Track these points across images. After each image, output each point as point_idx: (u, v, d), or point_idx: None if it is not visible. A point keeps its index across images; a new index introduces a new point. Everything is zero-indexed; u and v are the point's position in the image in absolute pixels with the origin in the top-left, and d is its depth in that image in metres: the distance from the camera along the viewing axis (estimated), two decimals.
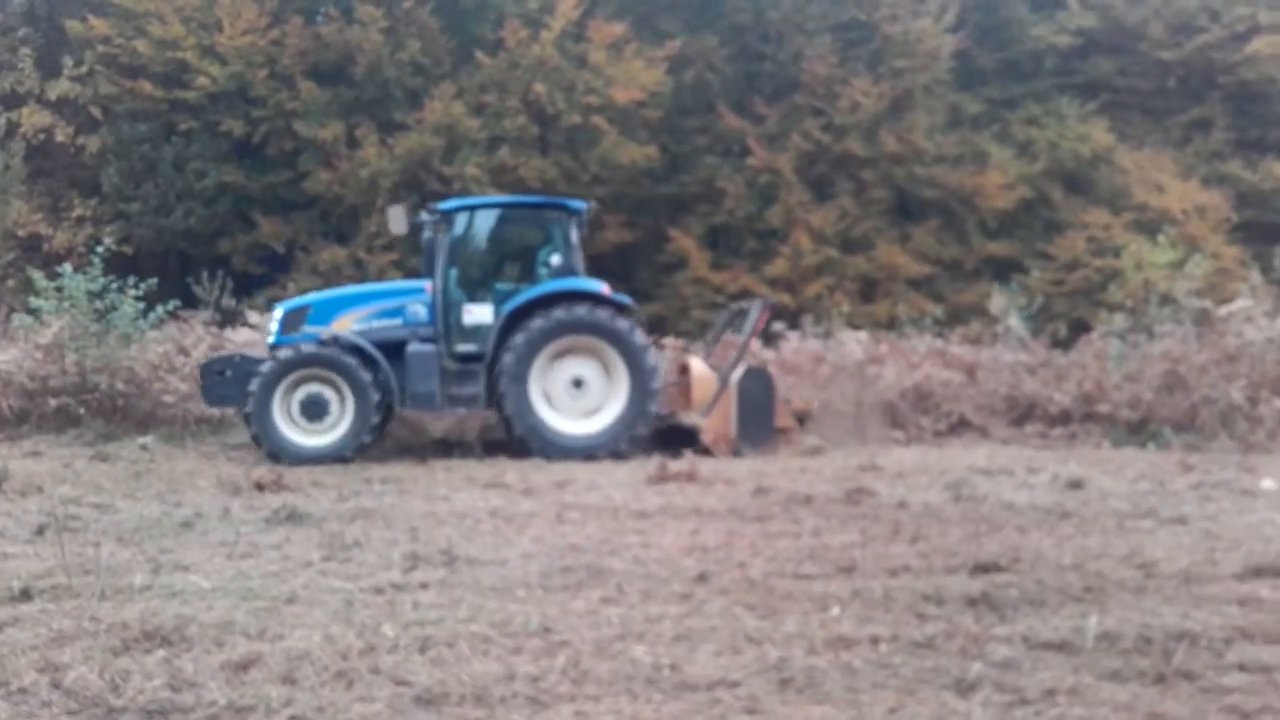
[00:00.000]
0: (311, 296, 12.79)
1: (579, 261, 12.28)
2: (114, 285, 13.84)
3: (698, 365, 12.67)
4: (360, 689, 4.52)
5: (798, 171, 22.08)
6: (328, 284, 20.51)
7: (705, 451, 11.68)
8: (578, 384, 11.82)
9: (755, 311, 12.84)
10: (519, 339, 11.51)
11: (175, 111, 21.79)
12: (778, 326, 16.19)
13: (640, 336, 11.91)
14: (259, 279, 21.17)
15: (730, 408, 11.95)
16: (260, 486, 9.34)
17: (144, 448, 12.00)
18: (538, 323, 11.55)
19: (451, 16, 21.86)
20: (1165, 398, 13.42)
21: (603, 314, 11.73)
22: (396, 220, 12.23)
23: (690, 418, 12.11)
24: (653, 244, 22.68)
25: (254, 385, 11.27)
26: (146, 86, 21.43)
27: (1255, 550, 6.98)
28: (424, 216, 12.48)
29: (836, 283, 21.42)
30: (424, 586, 6.17)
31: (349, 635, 5.24)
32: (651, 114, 21.88)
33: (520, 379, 11.51)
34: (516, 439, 11.63)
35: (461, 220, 12.14)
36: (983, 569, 6.54)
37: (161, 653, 4.84)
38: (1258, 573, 6.39)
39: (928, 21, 22.10)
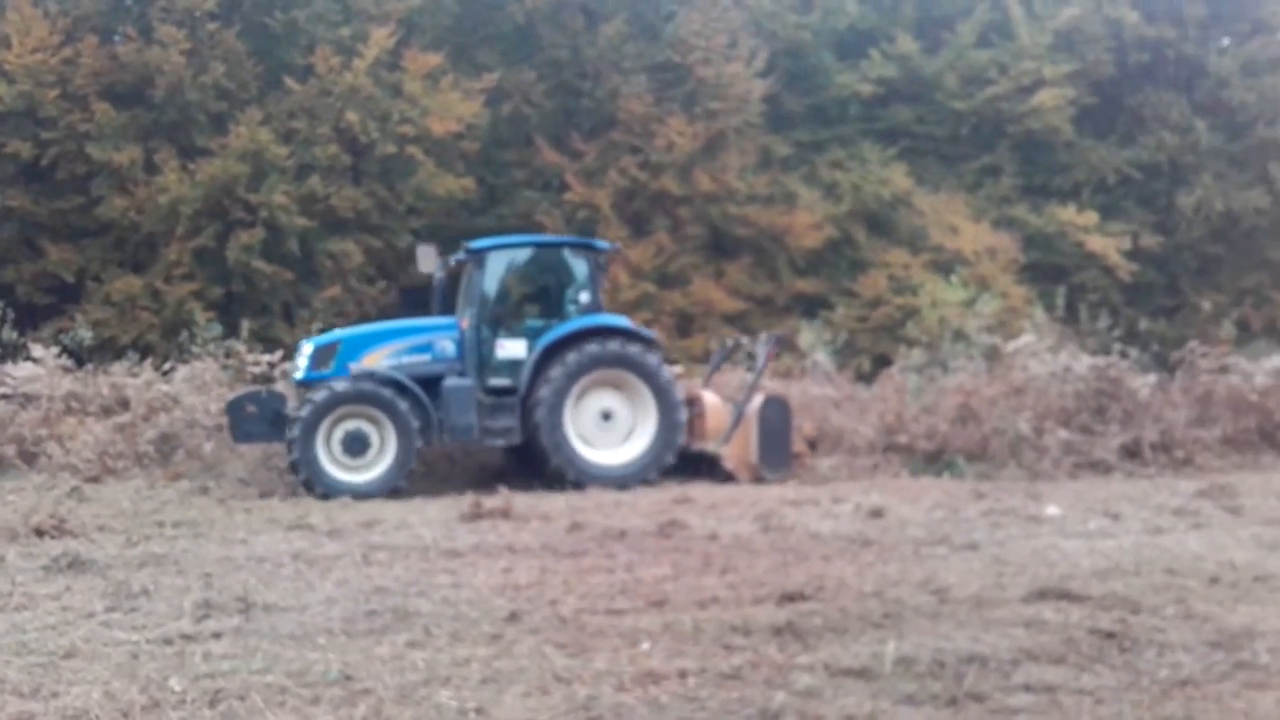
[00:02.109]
0: (340, 333, 12.90)
1: (602, 298, 12.85)
2: None
3: (709, 396, 13.15)
4: None
5: (615, 207, 22.30)
6: (122, 316, 19.48)
7: (728, 478, 12.36)
8: (606, 416, 12.33)
9: (765, 347, 13.72)
10: (555, 373, 11.95)
11: None
12: None
13: (666, 370, 12.54)
14: (46, 310, 19.87)
15: (751, 435, 12.56)
16: (39, 532, 8.74)
17: None
18: (572, 357, 12.02)
19: (259, 40, 21.18)
20: (959, 429, 14.09)
21: (633, 349, 12.29)
22: (426, 258, 12.68)
23: (711, 446, 12.66)
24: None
25: (299, 424, 11.35)
26: None
27: (1040, 574, 7.37)
28: (459, 255, 12.88)
29: (654, 317, 21.67)
30: (217, 636, 5.88)
31: (132, 690, 4.94)
32: (469, 146, 21.70)
33: (556, 411, 11.95)
34: (553, 469, 12.01)
35: (494, 259, 12.54)
36: (789, 598, 6.69)
37: None
38: (1042, 595, 6.75)
39: (739, 66, 22.76)
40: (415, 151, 20.76)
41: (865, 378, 17.44)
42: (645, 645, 5.70)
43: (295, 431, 11.40)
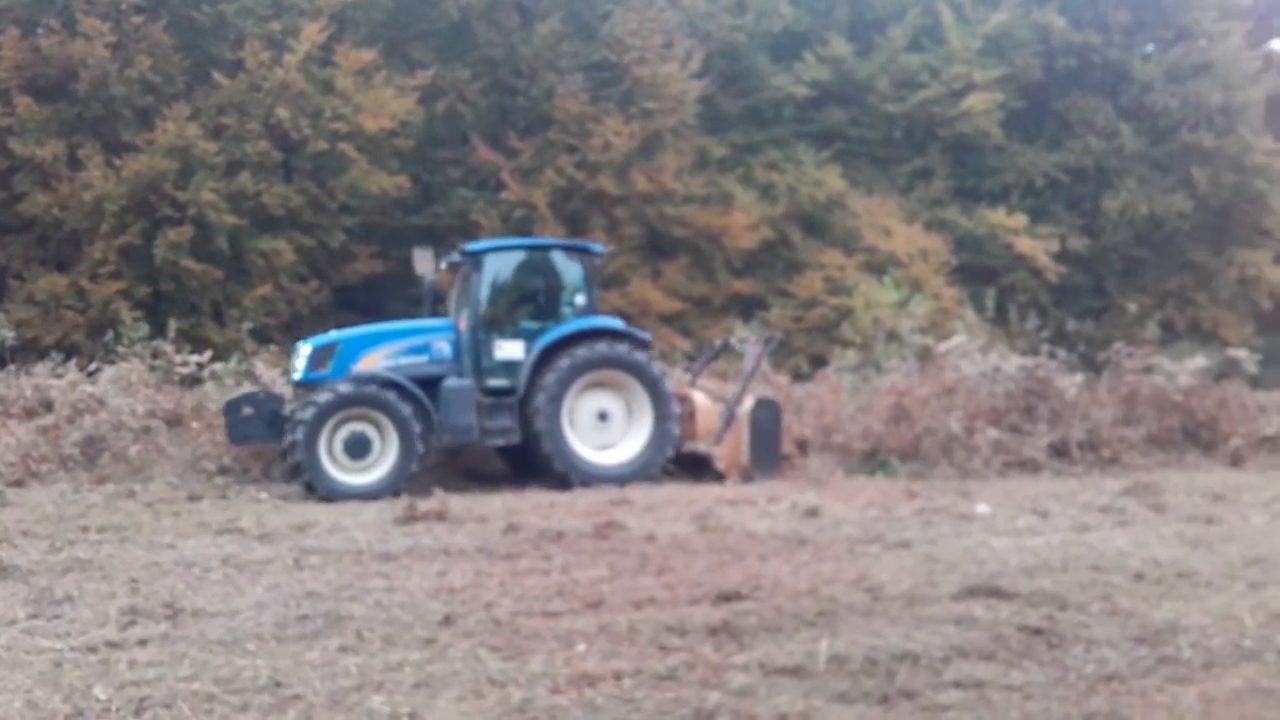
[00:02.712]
0: (337, 334, 12.79)
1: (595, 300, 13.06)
2: None
3: (699, 397, 13.26)
4: None
5: (552, 206, 22.23)
6: (45, 315, 18.99)
7: (719, 478, 12.50)
8: (602, 416, 12.51)
9: (755, 347, 13.84)
10: (552, 375, 12.11)
11: None
12: None
13: (658, 369, 12.80)
14: None
15: (742, 436, 12.70)
16: None
17: None
18: (569, 359, 12.18)
19: (186, 34, 20.76)
20: (893, 428, 14.27)
21: (627, 350, 12.49)
22: (422, 261, 12.66)
23: (703, 446, 12.79)
24: (405, 276, 22.21)
25: (299, 434, 11.30)
26: None
27: (971, 572, 7.48)
28: (454, 257, 13.04)
29: None
30: (143, 643, 5.75)
31: (55, 700, 4.82)
32: (403, 143, 21.51)
33: (555, 412, 12.10)
34: (544, 459, 12.10)
35: (492, 261, 12.68)
36: (725, 598, 6.71)
37: None
38: (972, 593, 6.85)
39: (675, 66, 22.83)
40: (348, 148, 20.52)
41: (802, 378, 17.58)
42: (581, 647, 5.68)
43: (298, 434, 11.36)
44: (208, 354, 15.10)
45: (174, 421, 13.56)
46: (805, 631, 6.03)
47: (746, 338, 15.00)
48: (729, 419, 12.85)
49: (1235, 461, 14.84)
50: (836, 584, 7.14)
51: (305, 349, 12.38)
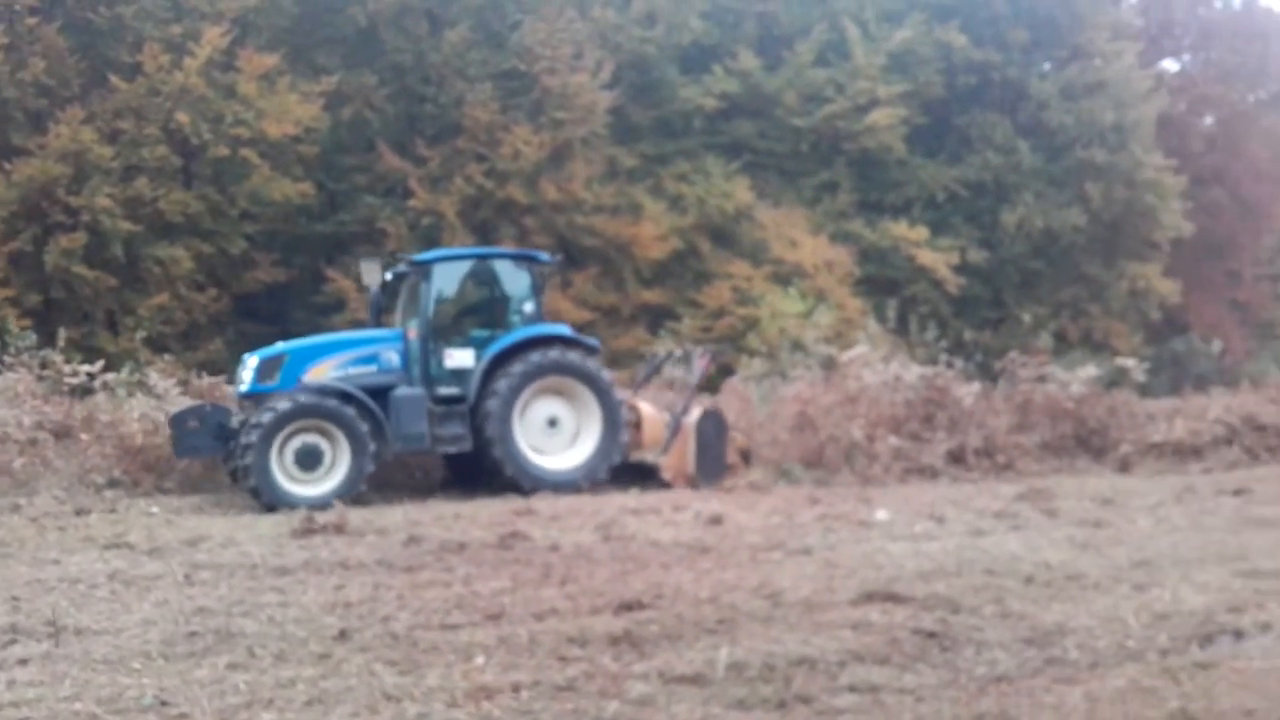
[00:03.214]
0: (284, 345, 12.66)
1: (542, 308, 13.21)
2: None
3: (645, 407, 13.35)
4: None
5: (461, 215, 22.09)
6: None
7: (665, 486, 12.59)
8: (552, 423, 12.59)
9: (700, 360, 14.00)
10: (503, 383, 12.18)
11: None
12: None
13: (607, 375, 12.88)
14: None
15: (688, 446, 12.85)
16: None
17: None
18: (519, 366, 12.26)
19: (82, 36, 20.17)
20: (797, 436, 14.42)
21: (576, 356, 12.60)
22: (370, 272, 12.68)
23: (649, 456, 12.91)
24: (309, 284, 21.87)
25: (253, 437, 11.24)
26: None
27: (869, 577, 7.59)
28: (400, 267, 13.07)
29: None
30: (23, 663, 5.56)
31: None
32: (307, 150, 21.17)
33: (506, 419, 12.17)
34: (496, 465, 12.18)
35: (440, 270, 12.70)
36: (626, 607, 6.70)
37: None
38: (870, 598, 6.94)
39: (584, 77, 22.87)
40: (250, 154, 20.13)
41: (710, 387, 17.69)
42: (480, 660, 5.63)
43: (249, 446, 11.25)
44: (99, 364, 14.64)
45: (62, 433, 13.10)
46: (705, 639, 6.05)
47: (691, 350, 15.14)
48: (675, 429, 12.99)
49: (1124, 467, 15.32)
50: (738, 591, 7.18)
51: (252, 361, 12.27)
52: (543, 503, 11.38)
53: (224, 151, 20.00)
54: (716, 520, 10.06)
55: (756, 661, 5.57)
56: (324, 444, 11.62)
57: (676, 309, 23.25)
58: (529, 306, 12.88)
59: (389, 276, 13.30)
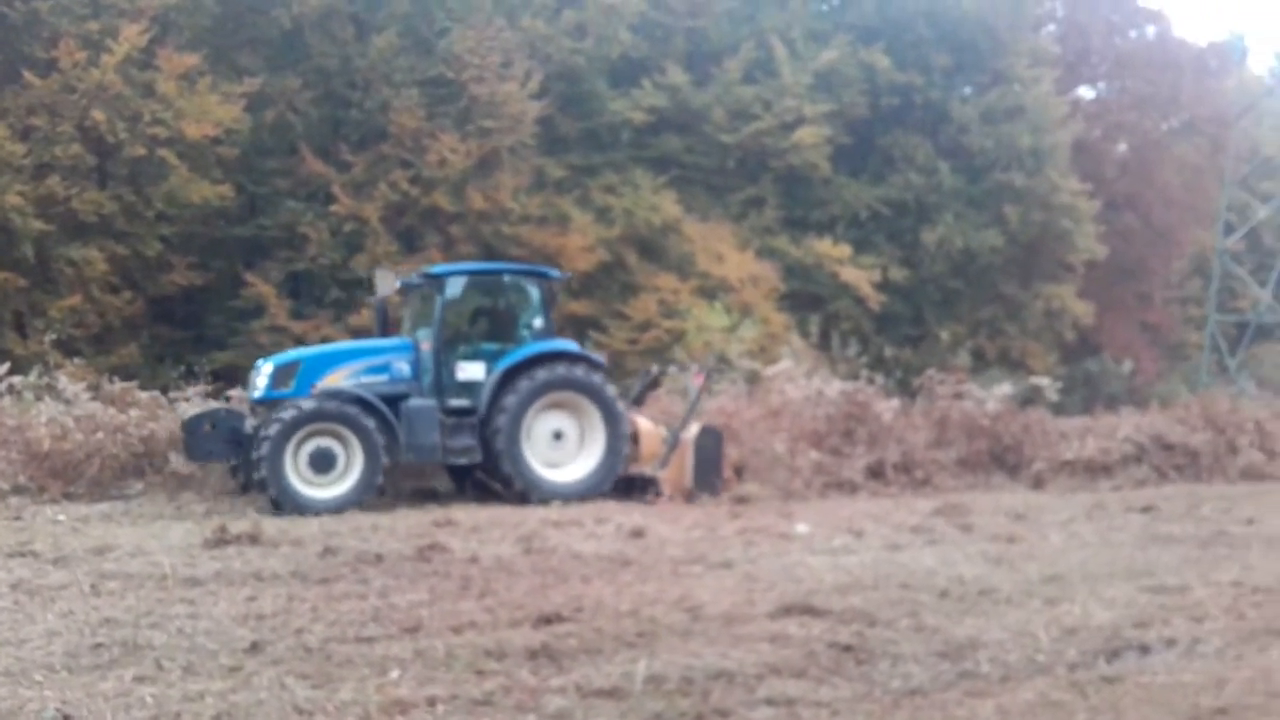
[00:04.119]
0: (298, 353, 13.17)
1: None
2: None
3: (642, 421, 13.54)
4: None
5: (385, 221, 21.83)
6: None
7: (660, 497, 12.78)
8: (557, 436, 12.83)
9: (697, 376, 14.31)
10: (513, 397, 12.42)
11: None
12: None
13: (611, 390, 13.12)
14: None
15: (687, 460, 13.13)
16: None
17: None
18: (528, 381, 12.50)
19: None
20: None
21: (582, 371, 12.85)
22: (384, 282, 12.84)
23: (647, 469, 13.12)
24: (226, 288, 21.44)
25: (270, 439, 11.45)
26: None
27: (788, 591, 7.64)
28: (413, 279, 13.28)
29: None
30: None
31: None
32: (227, 152, 20.76)
33: (515, 432, 12.41)
34: (504, 478, 12.40)
35: (453, 284, 12.86)
36: (545, 620, 6.67)
37: None
38: (788, 611, 6.99)
39: (513, 86, 22.78)
40: (168, 155, 19.70)
41: (637, 400, 17.70)
42: (395, 673, 5.55)
43: (264, 448, 11.46)
44: (6, 366, 14.18)
45: None
46: (624, 653, 6.04)
47: (687, 366, 15.44)
48: (674, 444, 13.26)
49: (1037, 484, 15.66)
50: (658, 605, 7.19)
51: (267, 368, 12.51)
52: (463, 514, 11.28)
53: (141, 151, 19.54)
54: (638, 533, 10.06)
55: (675, 675, 5.58)
56: (338, 448, 11.86)
57: (603, 320, 23.24)
58: (538, 321, 13.13)
59: (400, 285, 13.43)
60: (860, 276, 25.45)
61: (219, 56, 21.58)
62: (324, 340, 20.81)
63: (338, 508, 11.43)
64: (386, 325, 13.53)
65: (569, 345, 13.38)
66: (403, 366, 12.60)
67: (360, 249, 21.60)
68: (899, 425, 15.57)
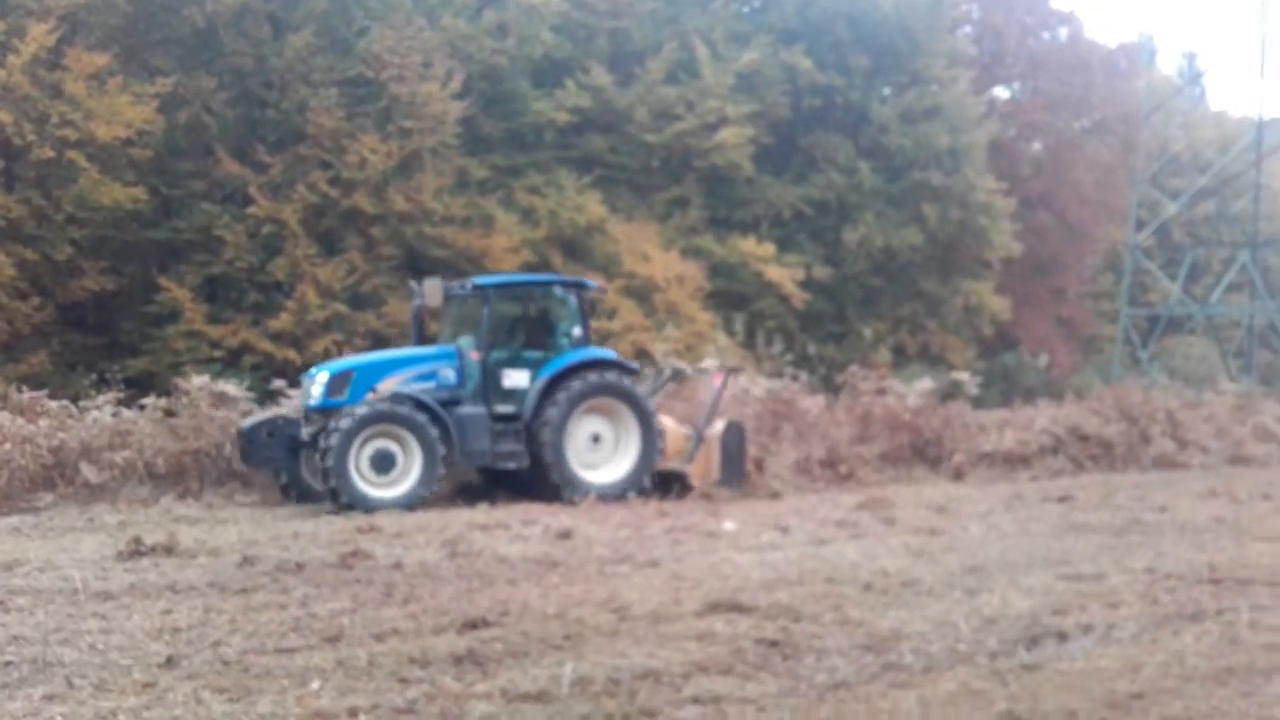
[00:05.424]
0: (350, 361, 13.73)
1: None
2: None
3: (667, 420, 14.05)
4: None
5: (304, 224, 21.40)
6: None
7: (690, 492, 13.43)
8: (595, 439, 13.35)
9: (717, 376, 14.68)
10: (556, 404, 12.95)
11: None
12: (279, 384, 15.51)
13: (645, 395, 13.69)
14: None
15: (713, 456, 13.80)
16: None
17: None
18: (571, 388, 13.04)
19: None
20: None
21: (618, 378, 13.44)
22: (432, 292, 13.09)
23: (673, 464, 13.73)
24: (140, 293, 20.86)
25: (334, 441, 11.97)
26: None
27: (715, 588, 7.67)
28: (457, 289, 13.64)
29: (345, 339, 20.97)
30: None
31: None
32: (139, 153, 20.19)
33: (559, 434, 12.92)
34: (551, 485, 12.88)
35: (498, 295, 13.53)
36: (471, 626, 6.60)
37: None
38: (715, 608, 7.02)
39: (434, 86, 22.48)
40: (77, 157, 19.11)
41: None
42: (315, 684, 5.45)
43: (332, 445, 11.98)
44: None
45: None
46: (551, 655, 6.00)
47: (706, 367, 15.93)
48: (699, 440, 13.86)
49: (957, 476, 15.95)
50: (585, 606, 7.16)
51: (321, 376, 12.96)
52: (387, 519, 11.15)
53: (49, 153, 18.92)
54: (565, 535, 10.03)
55: (601, 676, 5.56)
56: (396, 449, 12.41)
57: None
58: (576, 330, 13.64)
59: (445, 295, 13.58)
60: (784, 275, 25.63)
61: (130, 56, 21.01)
62: (242, 345, 20.46)
63: (399, 506, 11.98)
64: (423, 334, 14.15)
65: (607, 353, 14.04)
66: (448, 374, 13.14)
67: (279, 252, 21.18)
68: (824, 421, 15.75)
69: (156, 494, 12.68)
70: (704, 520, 11.04)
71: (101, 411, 13.72)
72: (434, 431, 12.44)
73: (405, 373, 13.03)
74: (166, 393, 14.66)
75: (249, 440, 12.66)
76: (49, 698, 5.23)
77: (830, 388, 17.50)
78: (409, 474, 12.40)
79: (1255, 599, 7.54)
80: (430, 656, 5.94)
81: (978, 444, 16.90)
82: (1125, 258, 35.15)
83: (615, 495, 12.96)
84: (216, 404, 14.00)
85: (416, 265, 23.04)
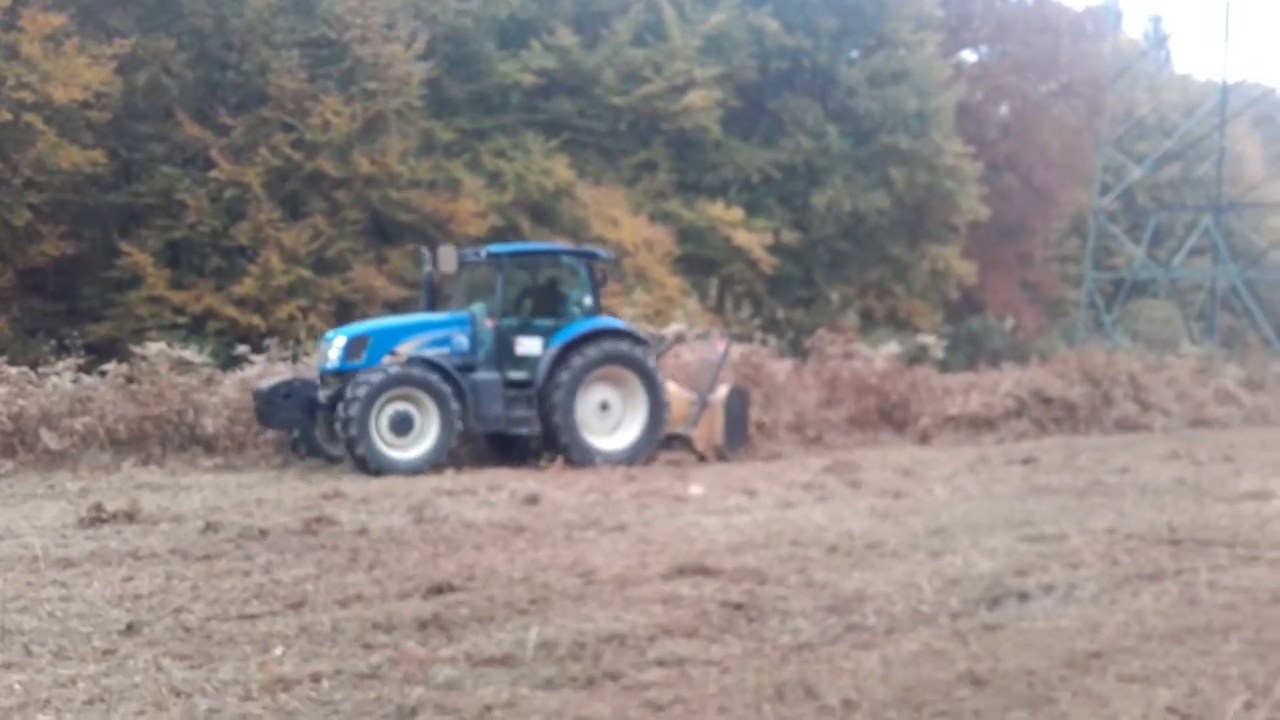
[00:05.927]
0: (368, 326, 13.85)
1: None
2: None
3: (672, 386, 14.23)
4: None
5: (267, 187, 21.13)
6: None
7: (697, 455, 13.77)
8: (604, 406, 13.48)
9: (720, 342, 15.03)
10: (568, 371, 13.09)
11: None
12: (243, 349, 15.36)
13: (653, 363, 13.80)
14: None
15: (717, 420, 14.04)
16: None
17: None
18: (582, 356, 13.17)
19: None
20: None
21: (630, 347, 13.57)
22: (447, 259, 13.11)
23: (679, 429, 14.00)
24: (100, 258, 20.55)
25: (355, 406, 12.14)
26: None
27: (681, 552, 7.69)
28: (470, 256, 13.82)
29: (310, 304, 20.80)
30: None
31: None
32: (98, 116, 19.81)
33: (570, 405, 13.06)
34: (561, 447, 13.00)
35: (512, 263, 13.71)
36: (436, 590, 6.58)
37: None
38: (681, 572, 7.04)
39: (398, 47, 22.19)
40: (34, 120, 18.72)
41: None
42: (278, 650, 5.42)
43: (353, 409, 12.14)
44: None
45: None
46: (516, 620, 6.00)
47: (710, 333, 16.11)
48: (703, 405, 14.10)
49: (923, 439, 16.07)
50: (551, 570, 7.16)
51: (339, 340, 13.10)
52: (352, 485, 11.09)
53: (6, 116, 18.52)
54: (532, 499, 10.02)
55: (567, 640, 5.56)
56: (414, 411, 12.55)
57: None
58: (587, 299, 13.74)
59: (460, 263, 13.64)
60: (752, 240, 25.61)
61: (87, 16, 20.56)
62: (206, 311, 20.22)
63: (418, 468, 12.22)
64: (434, 300, 14.15)
65: (617, 322, 14.16)
66: (462, 340, 13.27)
67: (242, 216, 20.91)
68: (791, 385, 15.80)
69: (118, 460, 12.53)
70: (671, 485, 11.06)
71: (61, 378, 13.52)
72: (449, 393, 12.61)
73: (421, 338, 13.18)
74: (129, 359, 14.49)
75: (267, 401, 12.87)
76: (7, 666, 5.17)
77: (798, 352, 17.55)
78: (425, 436, 12.56)
79: (1214, 559, 7.65)
80: (395, 621, 5.92)
81: (943, 407, 17.03)
82: (1090, 221, 35.39)
83: (624, 462, 13.10)
84: (177, 369, 13.85)
85: (382, 229, 22.84)
